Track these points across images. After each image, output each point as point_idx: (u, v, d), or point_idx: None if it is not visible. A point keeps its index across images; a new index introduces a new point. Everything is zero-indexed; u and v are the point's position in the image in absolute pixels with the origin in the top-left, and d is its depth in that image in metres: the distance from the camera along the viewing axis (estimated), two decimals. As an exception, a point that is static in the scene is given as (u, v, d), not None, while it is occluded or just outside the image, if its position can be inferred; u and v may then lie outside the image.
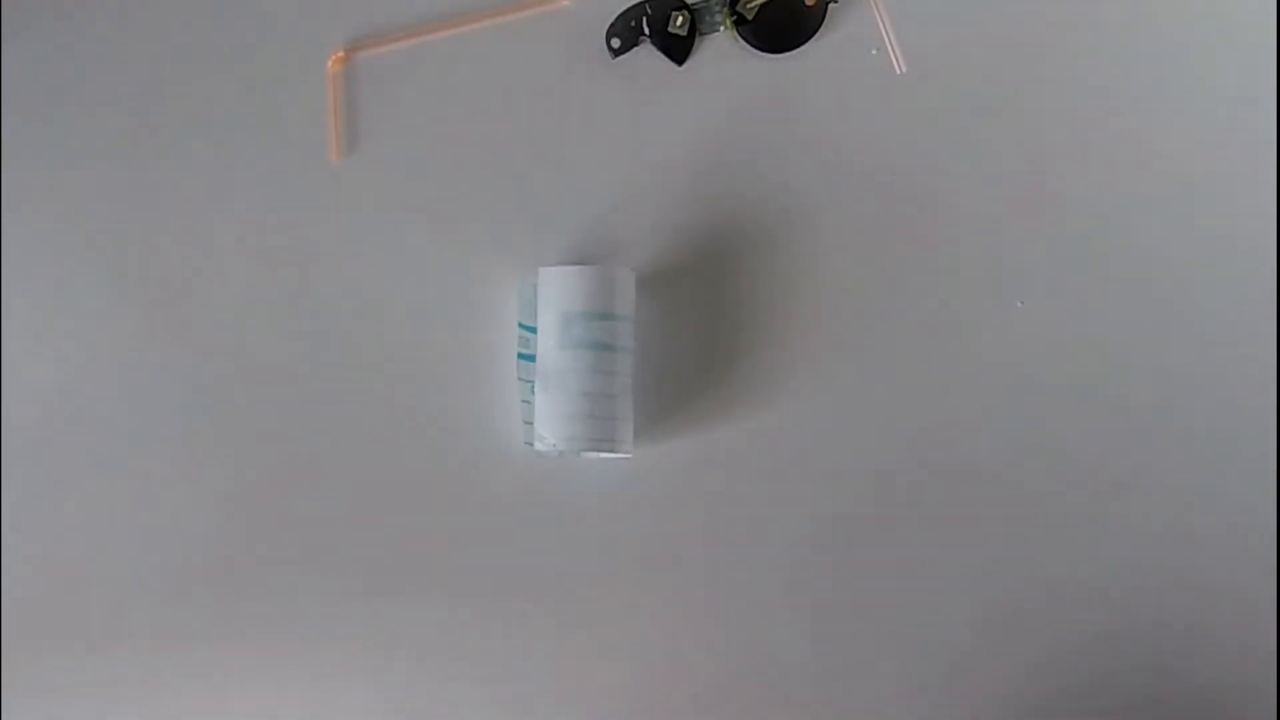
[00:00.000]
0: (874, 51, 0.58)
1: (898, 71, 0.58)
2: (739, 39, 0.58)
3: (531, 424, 0.55)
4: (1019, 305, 0.57)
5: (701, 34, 0.58)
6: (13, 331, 0.59)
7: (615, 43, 0.58)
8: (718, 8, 0.58)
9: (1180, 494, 0.56)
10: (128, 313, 0.59)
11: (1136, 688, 0.56)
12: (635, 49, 0.58)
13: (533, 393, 0.55)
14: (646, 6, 0.58)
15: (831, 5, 0.57)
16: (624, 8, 0.58)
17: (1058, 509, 0.56)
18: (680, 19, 0.57)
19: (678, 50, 0.58)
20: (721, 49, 0.58)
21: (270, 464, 0.58)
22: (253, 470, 0.58)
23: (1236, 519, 0.56)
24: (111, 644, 0.58)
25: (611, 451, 0.54)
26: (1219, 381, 0.56)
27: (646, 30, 0.58)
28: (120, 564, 0.58)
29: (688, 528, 0.57)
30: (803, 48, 0.58)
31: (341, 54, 0.59)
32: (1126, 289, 0.57)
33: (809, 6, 0.57)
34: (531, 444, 0.55)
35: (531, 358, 0.55)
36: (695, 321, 0.57)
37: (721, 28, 0.58)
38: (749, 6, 0.57)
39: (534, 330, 0.55)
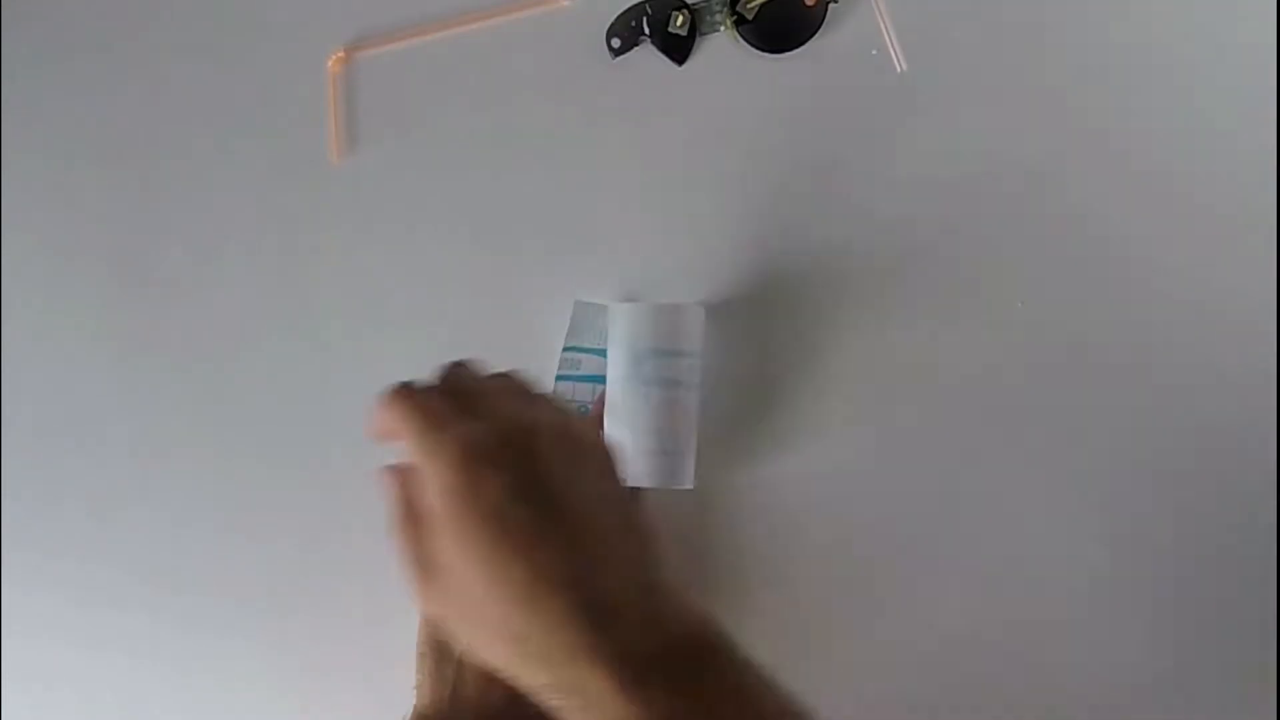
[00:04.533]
0: (874, 51, 0.58)
1: (898, 71, 0.58)
2: (739, 39, 0.58)
3: None
4: (1019, 305, 0.57)
5: (701, 34, 0.58)
6: (13, 331, 0.59)
7: (615, 43, 0.58)
8: (718, 8, 0.58)
9: (1182, 498, 0.56)
10: (128, 313, 0.59)
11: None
12: (635, 49, 0.58)
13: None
14: (646, 6, 0.58)
15: (831, 5, 0.57)
16: (624, 8, 0.58)
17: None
18: (680, 19, 0.57)
19: (678, 50, 0.58)
20: (721, 49, 0.58)
21: (270, 466, 0.58)
22: (253, 472, 0.58)
23: (1237, 520, 0.56)
24: (109, 645, 0.58)
25: (673, 485, 0.53)
26: (1219, 382, 0.56)
27: (646, 30, 0.58)
28: (119, 565, 0.58)
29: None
30: (803, 48, 0.58)
31: (341, 54, 0.59)
32: (1129, 289, 0.57)
33: (809, 6, 0.57)
34: None
35: (572, 378, 0.55)
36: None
37: (721, 28, 0.58)
38: (749, 6, 0.57)
39: (591, 353, 0.55)
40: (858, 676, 0.56)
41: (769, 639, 0.55)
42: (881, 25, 0.58)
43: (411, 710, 0.48)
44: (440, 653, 0.48)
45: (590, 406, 0.56)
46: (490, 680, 0.46)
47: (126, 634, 0.58)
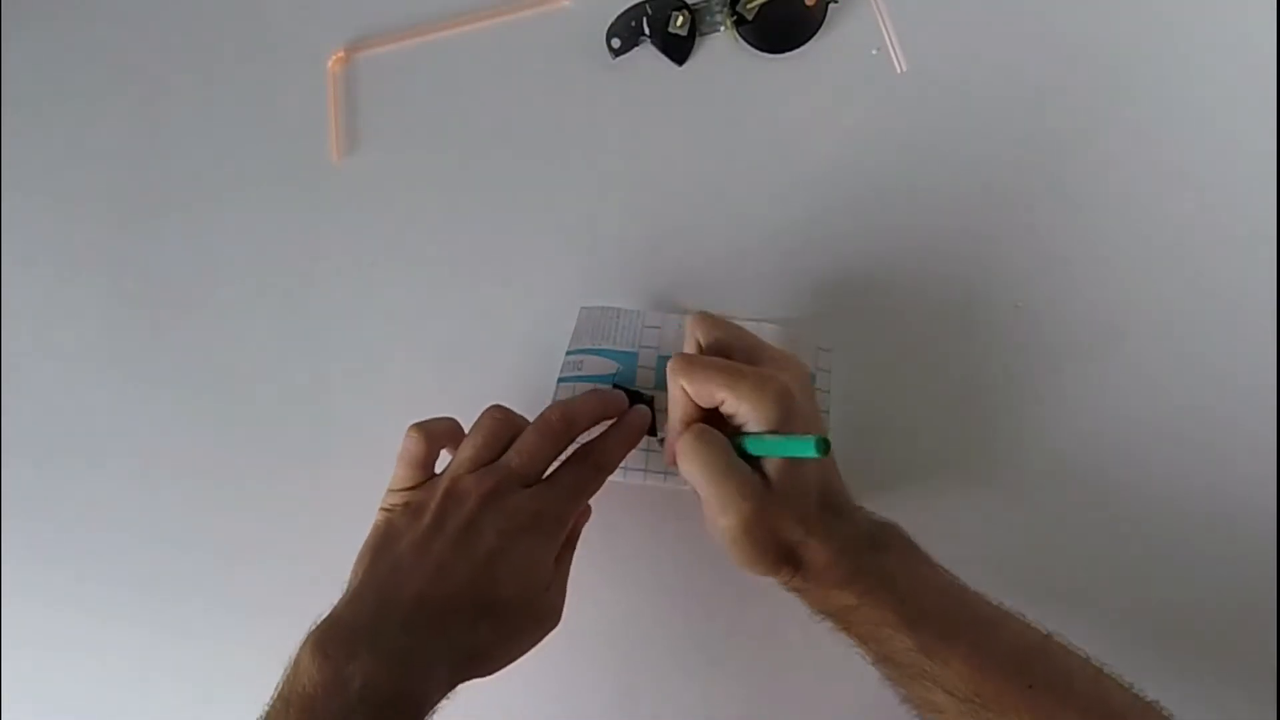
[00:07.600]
0: (874, 51, 0.58)
1: (898, 71, 0.58)
2: (739, 39, 0.58)
3: None
4: (1016, 306, 0.57)
5: (701, 34, 0.58)
6: (13, 331, 0.59)
7: (615, 43, 0.58)
8: (718, 8, 0.58)
9: (1184, 499, 0.56)
10: (128, 313, 0.59)
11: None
12: (635, 49, 0.58)
13: None
14: (646, 6, 0.58)
15: (831, 5, 0.57)
16: (624, 8, 0.58)
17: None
18: (680, 19, 0.57)
19: (678, 50, 0.58)
20: (721, 49, 0.58)
21: (270, 467, 0.58)
22: (253, 473, 0.58)
23: (1237, 522, 0.56)
24: (109, 640, 0.58)
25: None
26: (1219, 384, 0.56)
27: (646, 30, 0.58)
28: (118, 564, 0.58)
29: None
30: (803, 48, 0.58)
31: (341, 54, 0.59)
32: (1129, 289, 0.57)
33: (809, 6, 0.57)
34: None
35: (574, 379, 0.55)
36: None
37: (721, 28, 0.58)
38: (749, 6, 0.57)
39: (593, 353, 0.54)
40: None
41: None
42: (881, 25, 0.58)
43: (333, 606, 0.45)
44: (377, 551, 0.46)
45: None
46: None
47: (126, 643, 0.58)
